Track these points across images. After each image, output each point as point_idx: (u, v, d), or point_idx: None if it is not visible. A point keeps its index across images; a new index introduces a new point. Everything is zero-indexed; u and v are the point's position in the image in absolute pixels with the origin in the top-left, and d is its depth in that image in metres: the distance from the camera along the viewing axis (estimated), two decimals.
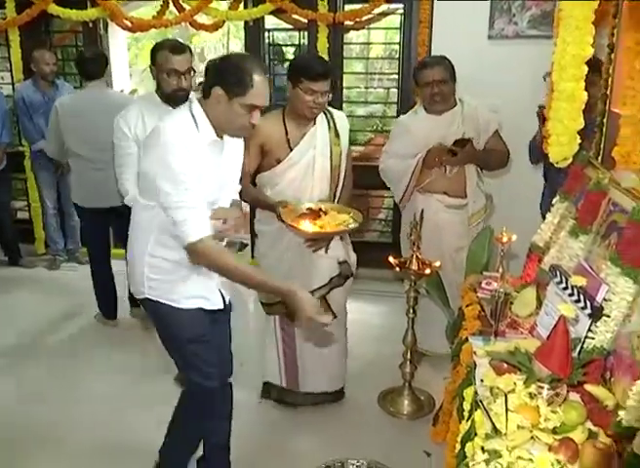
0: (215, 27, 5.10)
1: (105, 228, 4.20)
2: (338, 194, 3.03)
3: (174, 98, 2.95)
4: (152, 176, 2.10)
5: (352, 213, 2.83)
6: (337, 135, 2.96)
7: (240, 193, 2.68)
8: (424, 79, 3.31)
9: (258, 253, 3.15)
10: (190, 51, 3.06)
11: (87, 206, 4.03)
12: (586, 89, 2.20)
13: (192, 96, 2.80)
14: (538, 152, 3.08)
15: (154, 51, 3.01)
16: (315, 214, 2.77)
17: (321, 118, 2.93)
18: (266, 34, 5.00)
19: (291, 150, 2.90)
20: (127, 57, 6.30)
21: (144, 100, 3.19)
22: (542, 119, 2.85)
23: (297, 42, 5.11)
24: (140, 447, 2.85)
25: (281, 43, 5.61)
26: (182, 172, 2.05)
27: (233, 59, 2.11)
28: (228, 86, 2.06)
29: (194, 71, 3.05)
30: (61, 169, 5.00)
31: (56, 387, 3.49)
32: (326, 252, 2.97)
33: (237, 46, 10.79)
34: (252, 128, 2.17)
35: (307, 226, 2.72)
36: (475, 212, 3.47)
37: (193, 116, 2.13)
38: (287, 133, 2.89)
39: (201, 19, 5.31)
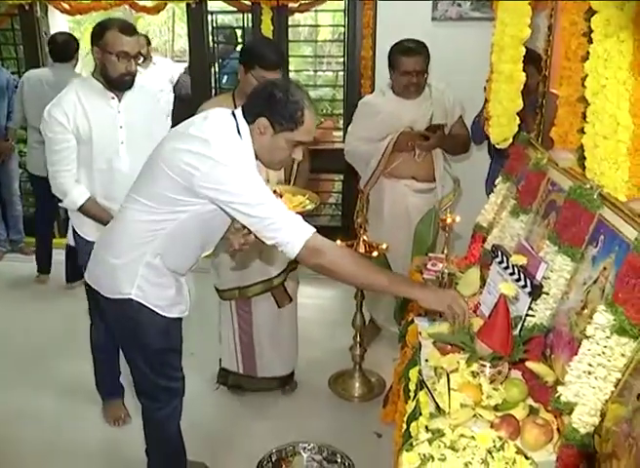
0: (156, 10, 4.99)
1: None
2: (292, 179, 2.99)
3: (120, 84, 2.68)
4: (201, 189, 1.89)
5: (308, 194, 2.77)
6: None
7: None
8: (404, 67, 3.23)
9: None
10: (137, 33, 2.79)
11: (41, 174, 3.93)
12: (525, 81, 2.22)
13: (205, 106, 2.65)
14: (481, 133, 3.11)
15: (100, 30, 2.64)
16: None
17: None
18: (210, 17, 4.91)
19: None
20: None
21: (82, 86, 2.73)
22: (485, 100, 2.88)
23: (241, 24, 5.03)
24: None
25: (226, 26, 5.53)
26: (248, 191, 1.88)
27: (283, 88, 1.92)
28: (277, 118, 1.90)
29: (143, 56, 2.86)
30: (0, 156, 4.86)
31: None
32: None
33: (182, 29, 10.58)
34: (291, 162, 2.05)
35: None
36: (445, 195, 3.47)
37: (239, 134, 1.95)
38: None
39: (142, 1, 5.18)
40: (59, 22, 5.45)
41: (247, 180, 1.88)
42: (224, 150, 1.88)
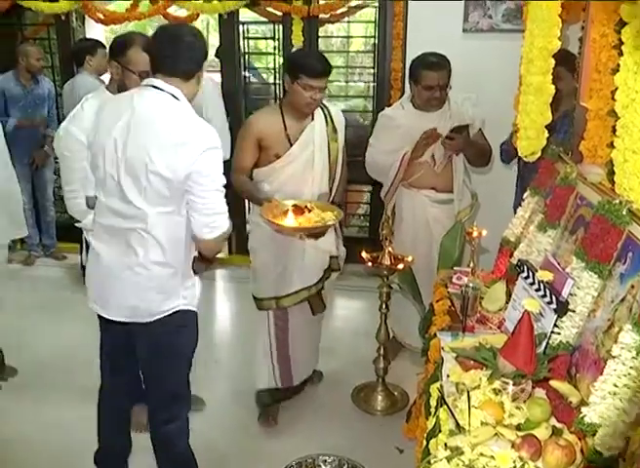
0: (190, 20, 5.02)
1: None
2: (334, 189, 3.03)
3: None
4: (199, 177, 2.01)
5: (336, 211, 2.82)
6: (334, 130, 2.96)
7: (231, 185, 2.67)
8: (427, 81, 3.19)
9: (251, 247, 3.09)
10: None
11: None
12: (555, 82, 2.18)
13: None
14: (511, 152, 3.05)
15: (121, 46, 2.56)
16: (300, 210, 2.74)
17: (318, 113, 2.92)
18: (241, 27, 4.95)
19: (290, 145, 2.87)
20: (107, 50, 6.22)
21: (100, 100, 2.56)
22: None
23: (272, 35, 5.06)
24: None
25: (258, 36, 5.56)
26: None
27: (191, 33, 2.14)
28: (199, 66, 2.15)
29: None
30: (37, 163, 4.97)
31: None
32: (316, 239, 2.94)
33: (216, 39, 10.68)
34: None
35: (286, 222, 2.70)
36: (462, 209, 3.42)
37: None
38: (286, 128, 2.87)
39: (177, 12, 5.26)
40: (95, 32, 5.55)
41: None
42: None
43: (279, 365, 3.15)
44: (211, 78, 4.61)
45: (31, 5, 4.86)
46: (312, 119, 2.90)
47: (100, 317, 2.28)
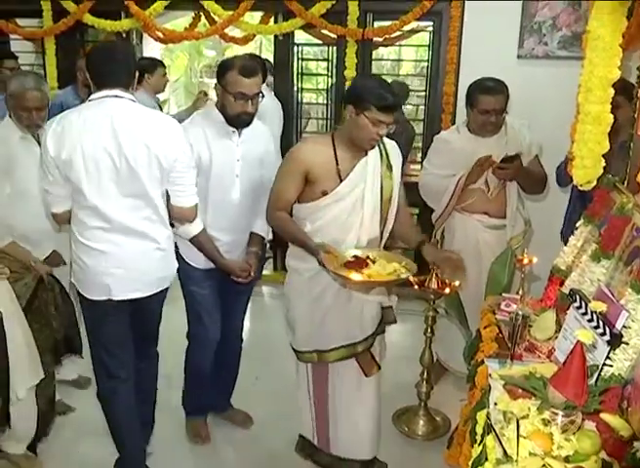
0: (245, 41, 5.16)
1: None
2: (386, 233, 2.74)
3: (237, 122, 2.75)
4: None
5: (404, 262, 2.54)
6: (389, 167, 2.67)
7: (268, 220, 2.67)
8: (484, 106, 3.19)
9: (287, 295, 2.80)
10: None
11: None
12: (613, 111, 2.17)
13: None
14: (566, 176, 3.03)
15: (222, 70, 2.71)
16: (362, 262, 2.46)
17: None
18: (296, 49, 5.04)
19: (340, 182, 2.57)
20: None
21: (206, 118, 2.81)
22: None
23: (325, 57, 5.13)
24: None
25: (310, 57, 5.66)
26: None
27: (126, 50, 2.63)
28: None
29: (262, 95, 2.77)
30: None
31: None
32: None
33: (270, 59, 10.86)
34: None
35: (355, 275, 2.39)
36: (514, 236, 3.38)
37: None
38: (337, 162, 2.56)
39: (232, 32, 5.37)
40: (152, 50, 5.72)
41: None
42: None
43: (316, 423, 2.88)
44: (272, 97, 4.70)
45: (95, 23, 5.03)
46: (366, 153, 2.60)
47: (102, 308, 2.51)
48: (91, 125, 2.32)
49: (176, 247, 2.71)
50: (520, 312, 2.25)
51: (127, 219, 2.41)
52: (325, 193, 2.56)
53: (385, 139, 2.66)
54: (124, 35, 5.19)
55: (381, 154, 2.65)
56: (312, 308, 2.68)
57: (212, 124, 2.76)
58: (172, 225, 2.70)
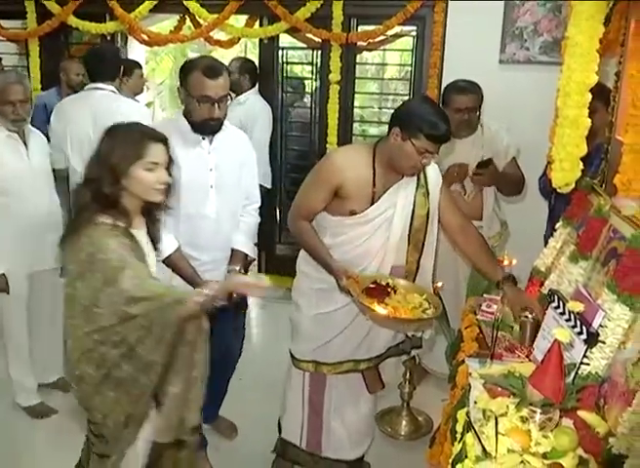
0: (230, 44, 5.17)
1: None
2: (417, 263, 2.59)
3: (203, 129, 2.57)
4: None
5: (426, 294, 2.43)
6: (425, 194, 2.51)
7: (289, 226, 2.54)
8: (456, 104, 3.28)
9: (295, 301, 2.70)
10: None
11: None
12: (590, 116, 2.21)
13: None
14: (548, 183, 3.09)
15: (185, 71, 2.53)
16: (384, 290, 2.36)
17: None
18: (280, 52, 5.06)
19: (372, 204, 2.43)
20: (145, 70, 6.39)
21: (171, 126, 2.60)
22: None
23: (309, 60, 5.16)
24: None
25: (295, 61, 5.68)
26: None
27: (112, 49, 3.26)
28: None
29: (231, 97, 2.63)
30: None
31: None
32: None
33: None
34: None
35: (381, 309, 2.29)
36: (490, 237, 3.44)
37: None
38: (375, 183, 2.41)
39: (217, 35, 5.39)
40: (136, 52, 5.71)
41: None
42: None
43: (307, 427, 2.80)
44: (261, 100, 4.73)
45: (79, 25, 5.03)
46: (402, 177, 2.46)
47: None
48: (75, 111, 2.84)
49: None
50: (500, 313, 2.29)
51: None
52: (354, 213, 2.43)
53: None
54: (109, 38, 5.19)
55: (419, 180, 2.51)
56: (320, 322, 2.60)
57: (177, 132, 2.52)
58: None
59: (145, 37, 5.04)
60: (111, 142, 2.02)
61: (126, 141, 2.01)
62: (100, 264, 1.90)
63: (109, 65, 3.54)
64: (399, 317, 2.31)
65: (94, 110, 3.38)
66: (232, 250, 2.75)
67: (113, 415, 2.00)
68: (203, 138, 2.59)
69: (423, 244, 2.55)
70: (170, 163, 2.09)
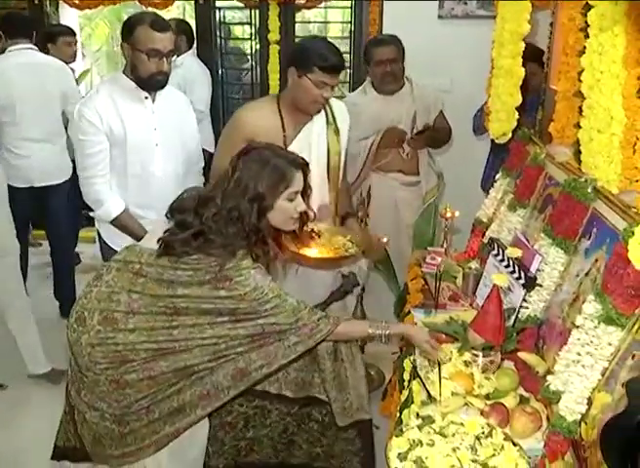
0: (164, 5, 5.00)
1: None
2: (336, 200, 2.63)
3: (152, 84, 2.51)
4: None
5: (349, 235, 2.50)
6: (336, 131, 2.57)
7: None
8: (377, 57, 3.28)
9: None
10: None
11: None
12: (527, 78, 2.24)
13: None
14: (482, 125, 3.13)
15: (130, 26, 2.46)
16: (308, 236, 2.38)
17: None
18: (217, 13, 4.95)
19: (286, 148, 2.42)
20: (80, 37, 6.17)
21: (114, 85, 2.55)
22: None
23: (248, 21, 5.06)
24: None
25: (234, 22, 5.57)
26: None
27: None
28: None
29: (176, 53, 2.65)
30: None
31: None
32: None
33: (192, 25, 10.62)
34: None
35: (309, 252, 2.36)
36: (429, 190, 3.52)
37: None
38: (284, 128, 2.45)
39: None
40: (69, 17, 5.49)
41: None
42: None
43: None
44: (198, 62, 4.63)
45: None
46: (311, 118, 2.50)
47: None
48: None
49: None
50: (443, 264, 2.34)
51: None
52: None
53: (333, 101, 2.58)
54: (36, 1, 4.97)
55: (328, 118, 2.55)
56: None
57: (120, 90, 2.51)
58: (90, 209, 2.58)
59: (76, 0, 4.84)
60: (255, 170, 1.84)
61: (273, 170, 1.84)
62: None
63: (22, 24, 3.70)
64: (325, 257, 2.40)
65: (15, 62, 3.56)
66: None
67: None
68: (146, 98, 2.55)
69: (338, 179, 2.62)
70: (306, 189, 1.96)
